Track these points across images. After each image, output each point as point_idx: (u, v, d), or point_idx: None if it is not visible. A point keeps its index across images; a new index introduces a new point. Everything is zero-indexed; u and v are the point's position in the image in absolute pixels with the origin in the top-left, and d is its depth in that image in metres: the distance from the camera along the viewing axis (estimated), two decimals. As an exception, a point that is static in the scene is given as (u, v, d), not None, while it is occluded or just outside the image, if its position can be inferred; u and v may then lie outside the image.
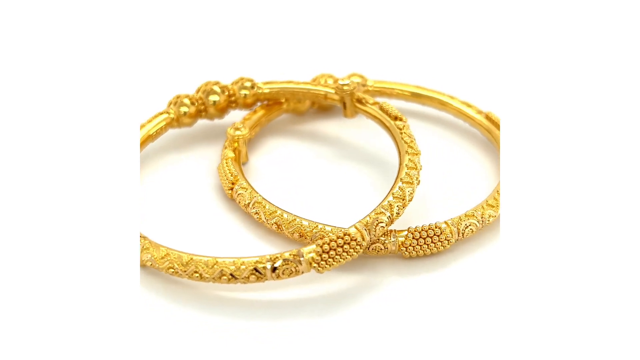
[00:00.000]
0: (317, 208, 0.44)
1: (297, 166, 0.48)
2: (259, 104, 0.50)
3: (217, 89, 0.49)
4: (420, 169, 0.42)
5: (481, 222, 0.41)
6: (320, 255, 0.37)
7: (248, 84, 0.50)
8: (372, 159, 0.48)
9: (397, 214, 0.40)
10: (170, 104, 0.49)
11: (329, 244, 0.37)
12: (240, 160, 0.47)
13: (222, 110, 0.50)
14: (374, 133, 0.49)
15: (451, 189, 0.45)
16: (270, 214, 0.41)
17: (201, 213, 0.44)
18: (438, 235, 0.40)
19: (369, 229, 0.38)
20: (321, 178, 0.47)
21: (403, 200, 0.40)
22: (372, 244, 0.39)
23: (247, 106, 0.50)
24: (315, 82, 0.50)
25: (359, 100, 0.48)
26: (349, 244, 0.38)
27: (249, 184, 0.44)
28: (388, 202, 0.39)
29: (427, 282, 0.40)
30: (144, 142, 0.46)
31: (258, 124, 0.50)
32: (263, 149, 0.50)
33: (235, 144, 0.47)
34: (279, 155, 0.49)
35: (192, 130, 0.50)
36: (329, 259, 0.37)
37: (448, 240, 0.40)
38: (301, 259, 0.36)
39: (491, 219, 0.42)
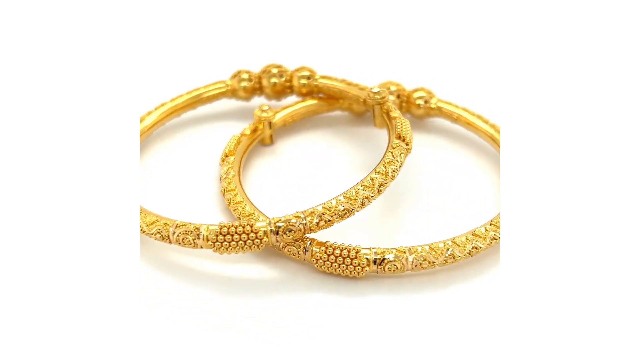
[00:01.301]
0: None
1: (312, 163, 0.49)
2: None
3: (276, 71, 0.52)
4: (378, 193, 0.40)
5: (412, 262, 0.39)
6: (217, 236, 0.38)
7: (306, 74, 0.52)
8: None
9: (320, 223, 0.39)
10: (232, 76, 0.53)
11: (229, 228, 0.38)
12: (259, 140, 0.49)
13: (278, 93, 0.52)
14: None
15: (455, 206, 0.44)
16: (236, 203, 0.42)
17: (204, 182, 0.47)
18: (352, 259, 0.38)
19: (276, 230, 0.38)
20: (324, 181, 0.47)
21: (331, 210, 0.39)
22: (287, 245, 0.39)
23: (302, 94, 0.52)
24: (377, 87, 0.50)
25: (387, 112, 0.47)
26: (248, 234, 0.38)
27: (238, 170, 0.45)
28: (313, 210, 0.39)
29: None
30: (193, 104, 0.51)
31: (299, 113, 0.51)
32: (298, 137, 0.51)
33: (260, 125, 0.49)
34: (306, 148, 0.50)
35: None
36: (225, 242, 0.38)
37: (362, 267, 0.38)
38: (199, 234, 0.38)
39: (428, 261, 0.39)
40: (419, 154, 0.49)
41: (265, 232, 0.39)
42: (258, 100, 0.53)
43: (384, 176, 0.41)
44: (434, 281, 0.40)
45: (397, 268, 0.39)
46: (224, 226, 0.38)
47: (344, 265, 0.39)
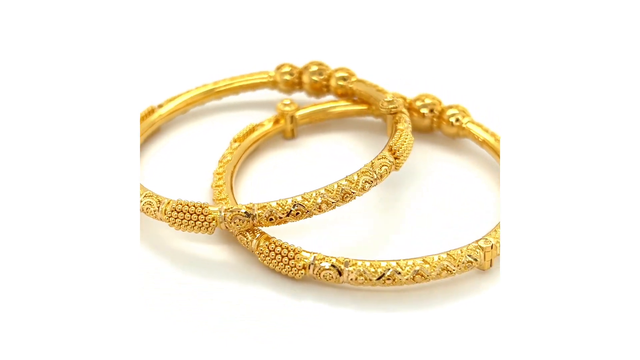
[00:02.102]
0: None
1: (325, 163, 0.48)
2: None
3: (316, 69, 0.52)
4: (342, 201, 0.39)
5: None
6: (172, 211, 0.40)
7: (343, 75, 0.51)
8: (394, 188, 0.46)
9: (270, 218, 0.39)
10: (276, 68, 0.54)
11: (183, 206, 0.40)
12: (282, 132, 0.50)
13: (316, 90, 0.53)
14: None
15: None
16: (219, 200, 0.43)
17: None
18: (289, 259, 0.38)
19: (228, 217, 0.39)
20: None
21: (284, 208, 0.39)
22: (239, 233, 0.40)
23: (337, 95, 0.52)
24: (391, 96, 0.47)
25: (396, 123, 0.45)
26: (198, 215, 0.39)
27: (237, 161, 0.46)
28: (266, 205, 0.39)
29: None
30: (234, 89, 0.53)
31: (327, 113, 0.51)
32: (322, 136, 0.51)
33: (282, 120, 0.50)
34: (325, 148, 0.49)
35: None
36: (178, 219, 0.39)
37: (298, 269, 0.37)
38: (159, 206, 0.40)
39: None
40: (441, 170, 0.47)
41: (214, 217, 0.40)
42: (299, 95, 0.54)
43: (351, 184, 0.40)
44: (380, 298, 0.39)
45: (332, 277, 0.38)
46: (181, 203, 0.40)
47: (282, 263, 0.39)
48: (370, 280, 0.37)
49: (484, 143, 0.47)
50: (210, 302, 0.39)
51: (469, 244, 0.39)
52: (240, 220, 0.39)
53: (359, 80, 0.51)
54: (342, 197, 0.40)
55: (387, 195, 0.46)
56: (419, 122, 0.50)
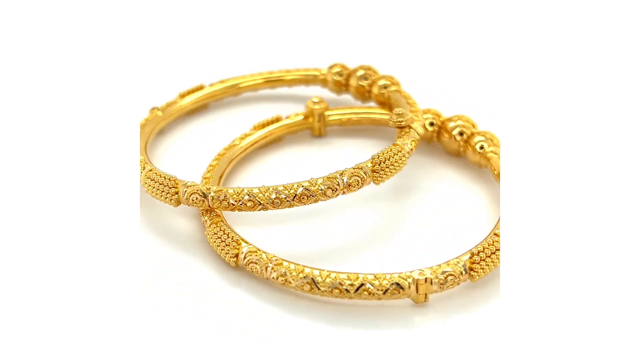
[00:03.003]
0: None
1: (340, 166, 0.47)
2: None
3: (362, 73, 0.51)
4: (297, 202, 0.39)
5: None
6: (147, 177, 0.42)
7: (384, 83, 0.50)
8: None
9: (223, 203, 0.39)
10: (329, 67, 0.53)
11: (157, 175, 0.41)
12: (310, 129, 0.50)
13: (361, 95, 0.52)
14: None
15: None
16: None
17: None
18: (227, 244, 0.39)
19: (187, 193, 0.40)
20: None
21: (237, 196, 0.39)
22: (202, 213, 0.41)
23: (378, 102, 0.51)
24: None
25: (398, 137, 0.43)
26: (165, 186, 0.41)
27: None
28: (222, 189, 0.40)
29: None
30: (287, 82, 0.54)
31: (357, 118, 0.50)
32: (351, 140, 0.50)
33: (310, 118, 0.50)
34: (346, 152, 0.49)
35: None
36: (150, 186, 0.41)
37: (231, 256, 0.38)
38: (142, 172, 0.42)
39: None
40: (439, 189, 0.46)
41: (177, 191, 0.41)
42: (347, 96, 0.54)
43: (311, 186, 0.39)
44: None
45: (258, 272, 0.38)
46: (156, 173, 0.41)
47: (220, 247, 0.39)
48: (291, 283, 0.37)
49: (499, 177, 0.44)
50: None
51: (405, 272, 0.37)
52: (196, 198, 0.40)
53: (396, 90, 0.49)
54: (299, 198, 0.39)
55: (381, 206, 0.45)
56: (448, 144, 0.48)
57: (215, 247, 0.40)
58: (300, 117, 0.50)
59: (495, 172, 0.44)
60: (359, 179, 0.40)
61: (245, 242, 0.39)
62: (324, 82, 0.53)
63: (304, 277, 0.37)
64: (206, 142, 0.50)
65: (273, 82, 0.54)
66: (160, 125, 0.50)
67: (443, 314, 0.37)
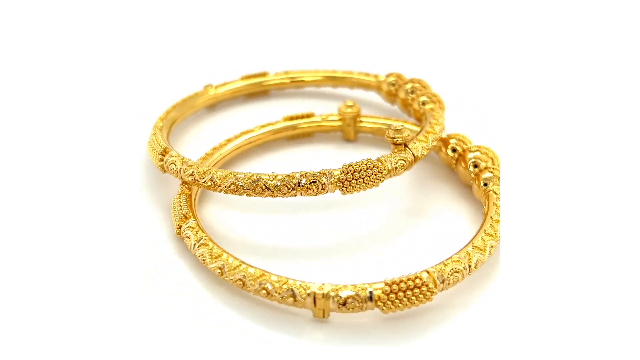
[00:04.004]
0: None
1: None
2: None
3: (409, 87, 0.49)
4: (253, 191, 0.39)
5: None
6: (150, 142, 0.44)
7: (424, 99, 0.48)
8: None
9: (191, 177, 0.41)
10: (387, 74, 0.52)
11: (157, 141, 0.44)
12: (342, 132, 0.49)
13: (406, 108, 0.50)
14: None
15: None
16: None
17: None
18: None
19: (167, 162, 0.42)
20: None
21: (200, 175, 0.40)
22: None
23: (415, 117, 0.49)
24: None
25: (392, 152, 0.41)
26: (158, 153, 0.43)
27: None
28: (199, 169, 0.41)
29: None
30: (347, 82, 0.53)
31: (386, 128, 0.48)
32: (378, 150, 0.48)
33: (341, 122, 0.49)
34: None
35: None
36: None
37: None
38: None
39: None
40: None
41: (162, 158, 0.43)
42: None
43: (269, 179, 0.39)
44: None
45: (189, 245, 0.39)
46: (156, 140, 0.44)
47: (174, 214, 0.41)
48: (208, 265, 0.37)
49: (485, 216, 0.40)
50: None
51: (312, 283, 0.35)
52: (173, 168, 0.42)
53: (432, 109, 0.47)
54: (254, 187, 0.39)
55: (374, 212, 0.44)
56: (463, 174, 0.45)
57: (172, 213, 0.42)
58: (334, 118, 0.50)
59: (484, 211, 0.41)
60: (319, 185, 0.39)
61: (194, 217, 0.41)
62: (379, 90, 0.52)
63: (217, 258, 0.37)
64: (245, 125, 0.51)
65: (335, 80, 0.54)
66: (211, 101, 0.53)
67: (338, 337, 0.35)
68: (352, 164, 0.40)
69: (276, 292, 0.35)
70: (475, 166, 0.44)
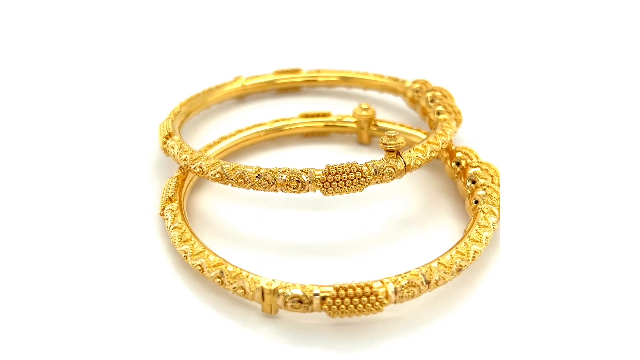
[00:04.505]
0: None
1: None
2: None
3: (429, 95, 0.48)
4: (236, 181, 0.39)
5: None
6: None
7: (440, 109, 0.47)
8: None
9: (184, 163, 0.42)
10: (413, 81, 0.51)
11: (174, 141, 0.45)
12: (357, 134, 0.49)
13: (424, 115, 0.49)
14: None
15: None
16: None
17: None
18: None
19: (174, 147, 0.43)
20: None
21: (191, 157, 0.41)
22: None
23: (430, 126, 0.47)
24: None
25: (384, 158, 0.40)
26: (168, 144, 0.44)
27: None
28: (202, 161, 0.41)
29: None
30: (376, 87, 0.52)
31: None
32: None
33: (355, 124, 0.49)
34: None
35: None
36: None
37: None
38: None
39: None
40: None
41: (165, 141, 0.44)
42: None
43: (250, 174, 0.39)
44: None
45: (166, 227, 0.40)
46: (164, 125, 0.45)
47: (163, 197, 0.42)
48: (176, 247, 0.38)
49: (466, 233, 0.39)
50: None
51: (264, 278, 0.35)
52: (172, 152, 0.43)
53: (443, 119, 0.46)
54: (237, 178, 0.39)
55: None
56: (462, 189, 0.43)
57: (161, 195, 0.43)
58: (349, 120, 0.50)
59: (466, 228, 0.39)
60: (299, 183, 0.39)
61: (179, 201, 0.42)
62: (404, 96, 0.51)
63: (185, 242, 0.38)
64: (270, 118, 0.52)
65: (365, 83, 0.54)
66: (238, 92, 0.54)
67: (285, 335, 0.35)
68: (335, 165, 0.40)
69: (229, 282, 0.36)
70: (473, 182, 0.42)
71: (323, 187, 0.40)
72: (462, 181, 0.43)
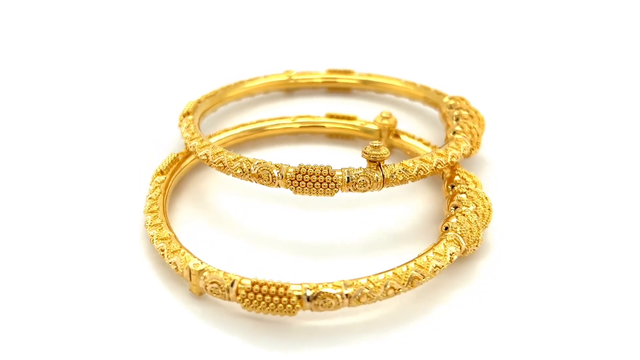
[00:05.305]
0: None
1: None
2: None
3: (455, 114, 0.46)
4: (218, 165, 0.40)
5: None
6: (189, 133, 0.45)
7: (457, 129, 0.44)
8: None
9: (190, 149, 0.43)
10: (451, 97, 0.49)
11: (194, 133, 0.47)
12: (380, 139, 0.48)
13: (446, 131, 0.47)
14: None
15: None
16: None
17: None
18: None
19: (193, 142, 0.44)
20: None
21: (200, 142, 0.43)
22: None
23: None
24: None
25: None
26: (186, 123, 0.46)
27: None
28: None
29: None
30: (420, 99, 0.51)
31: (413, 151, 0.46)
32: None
33: (377, 132, 0.48)
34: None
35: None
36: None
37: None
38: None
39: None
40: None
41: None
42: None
43: (231, 159, 0.40)
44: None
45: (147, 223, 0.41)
46: (183, 111, 0.47)
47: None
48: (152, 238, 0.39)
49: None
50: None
51: (193, 258, 0.36)
52: (181, 131, 0.45)
53: (452, 138, 0.44)
54: (217, 162, 0.41)
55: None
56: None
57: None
58: (371, 127, 0.49)
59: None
60: (270, 176, 0.39)
61: (170, 175, 0.43)
62: (440, 110, 0.50)
63: (149, 212, 0.40)
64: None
65: (411, 94, 0.52)
66: (286, 86, 0.54)
67: (210, 319, 0.36)
68: (308, 165, 0.40)
69: (168, 256, 0.37)
70: (455, 207, 0.40)
71: (292, 185, 0.40)
72: (446, 205, 0.41)
